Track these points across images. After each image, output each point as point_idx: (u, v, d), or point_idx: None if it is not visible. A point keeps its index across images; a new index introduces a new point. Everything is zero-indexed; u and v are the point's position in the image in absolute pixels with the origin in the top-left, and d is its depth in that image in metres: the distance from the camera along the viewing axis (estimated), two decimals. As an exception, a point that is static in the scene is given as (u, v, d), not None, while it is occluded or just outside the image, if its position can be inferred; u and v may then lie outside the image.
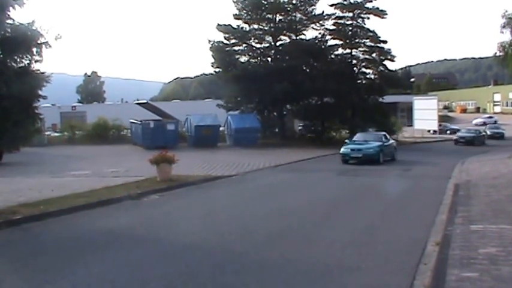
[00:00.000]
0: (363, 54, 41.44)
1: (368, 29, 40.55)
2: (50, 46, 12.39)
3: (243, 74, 37.35)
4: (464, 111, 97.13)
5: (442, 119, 67.62)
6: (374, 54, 41.28)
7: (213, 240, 8.76)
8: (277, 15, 39.75)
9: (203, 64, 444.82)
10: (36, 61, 12.55)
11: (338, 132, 41.54)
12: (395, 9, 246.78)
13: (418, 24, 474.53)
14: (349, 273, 6.71)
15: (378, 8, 40.46)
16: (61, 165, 22.83)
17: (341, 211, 12.02)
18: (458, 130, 54.05)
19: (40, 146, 30.95)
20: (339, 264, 7.13)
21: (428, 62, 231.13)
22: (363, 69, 42.40)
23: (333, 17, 40.50)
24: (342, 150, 24.30)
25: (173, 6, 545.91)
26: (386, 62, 41.58)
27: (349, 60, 41.39)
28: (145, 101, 47.48)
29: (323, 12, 40.32)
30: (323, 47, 40.51)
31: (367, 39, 40.79)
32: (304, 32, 40.81)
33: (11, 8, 11.71)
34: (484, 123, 63.54)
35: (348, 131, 41.55)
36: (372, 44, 40.78)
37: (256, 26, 40.17)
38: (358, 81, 41.85)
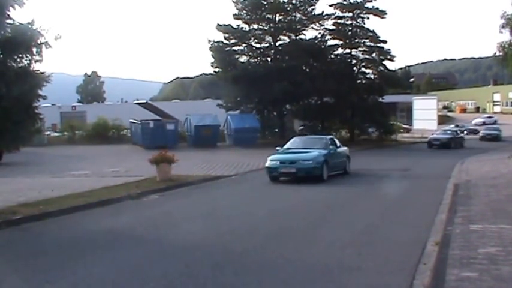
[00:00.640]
0: (362, 54, 41.51)
1: (368, 29, 40.62)
2: (50, 46, 12.41)
3: (243, 74, 37.37)
4: (464, 111, 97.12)
5: (444, 119, 67.68)
6: (374, 54, 41.35)
7: (213, 240, 8.76)
8: (277, 15, 39.79)
9: (203, 64, 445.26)
10: (36, 61, 12.56)
11: (338, 132, 41.57)
12: (395, 9, 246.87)
13: (417, 24, 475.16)
14: (349, 273, 6.71)
15: (377, 8, 40.54)
16: (61, 165, 22.83)
17: (340, 211, 12.03)
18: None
19: (40, 146, 30.98)
20: (339, 264, 7.13)
21: (428, 61, 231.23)
22: (363, 69, 42.50)
23: (333, 17, 40.60)
24: (268, 162, 17.15)
25: (173, 6, 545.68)
26: (386, 62, 41.69)
27: (349, 60, 41.45)
28: (145, 101, 47.55)
29: (323, 12, 40.41)
30: (323, 47, 40.57)
31: (366, 39, 40.86)
32: (304, 32, 40.93)
33: (10, 8, 11.71)
34: (484, 123, 63.45)
35: (347, 131, 41.67)
36: (372, 44, 40.85)
37: (256, 26, 40.21)
38: (358, 81, 41.92)
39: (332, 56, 41.45)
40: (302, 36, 40.89)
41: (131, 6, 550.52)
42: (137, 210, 12.25)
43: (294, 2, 39.75)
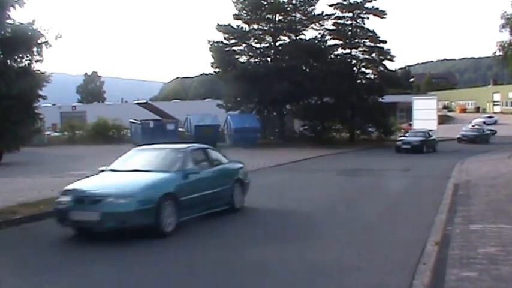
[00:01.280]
0: (362, 54, 41.52)
1: (368, 29, 40.63)
2: (50, 45, 12.49)
3: (243, 74, 37.39)
4: (464, 111, 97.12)
5: (444, 119, 67.62)
6: (373, 54, 41.35)
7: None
8: (277, 15, 39.81)
9: (203, 64, 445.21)
10: (36, 61, 12.61)
11: (338, 132, 41.61)
12: (395, 9, 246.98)
13: (417, 24, 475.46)
14: (349, 273, 6.72)
15: (377, 8, 40.55)
16: (61, 165, 22.81)
17: (340, 211, 12.02)
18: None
19: (40, 145, 31.00)
20: (339, 264, 7.14)
21: (428, 61, 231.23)
22: (363, 69, 42.50)
23: (333, 17, 40.62)
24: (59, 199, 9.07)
25: (173, 6, 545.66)
26: (386, 62, 41.70)
27: (349, 60, 41.46)
28: (145, 101, 47.58)
29: (323, 12, 40.43)
30: (323, 47, 40.58)
31: (366, 39, 40.86)
32: (303, 32, 40.94)
33: (11, 8, 11.74)
34: (484, 123, 63.39)
35: (347, 131, 41.70)
36: (372, 44, 40.86)
37: (256, 26, 40.23)
38: (358, 81, 41.92)
39: (332, 56, 41.46)
40: (302, 36, 40.94)
41: (131, 6, 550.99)
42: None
43: (294, 2, 39.76)
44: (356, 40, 40.89)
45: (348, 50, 41.35)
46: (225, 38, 40.03)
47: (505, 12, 25.99)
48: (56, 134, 41.46)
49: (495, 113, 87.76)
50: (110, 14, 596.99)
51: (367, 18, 40.66)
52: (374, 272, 6.72)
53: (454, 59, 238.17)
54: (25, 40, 11.86)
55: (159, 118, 37.12)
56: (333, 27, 41.11)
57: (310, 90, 38.61)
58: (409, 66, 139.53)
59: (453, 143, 41.86)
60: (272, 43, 40.60)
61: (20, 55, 12.15)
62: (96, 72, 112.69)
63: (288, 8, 39.74)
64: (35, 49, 12.15)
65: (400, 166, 22.77)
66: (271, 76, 36.38)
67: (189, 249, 8.15)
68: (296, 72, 37.98)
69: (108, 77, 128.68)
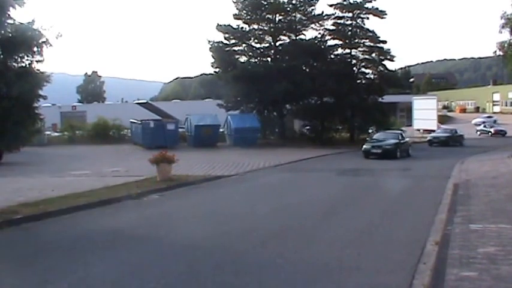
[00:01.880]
0: (362, 54, 41.49)
1: (367, 29, 40.60)
2: (51, 45, 12.48)
3: (243, 74, 37.37)
4: (463, 111, 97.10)
5: (444, 118, 67.60)
6: (373, 54, 41.32)
7: (213, 239, 8.77)
8: (277, 15, 39.79)
9: (203, 64, 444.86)
10: (36, 61, 12.61)
11: (338, 132, 41.57)
12: (394, 9, 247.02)
13: (417, 24, 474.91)
14: (349, 272, 6.72)
15: (377, 8, 40.51)
16: (61, 165, 22.83)
17: (340, 211, 12.03)
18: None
19: (40, 145, 31.00)
20: (339, 263, 7.14)
21: (428, 62, 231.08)
22: (363, 69, 42.44)
23: (333, 17, 40.58)
24: None
25: (173, 6, 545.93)
26: (385, 62, 41.65)
27: (349, 60, 41.44)
28: (145, 101, 47.65)
29: (323, 12, 40.40)
30: (323, 47, 40.56)
31: (366, 39, 40.83)
32: (303, 32, 40.91)
33: (11, 8, 11.75)
34: (483, 123, 63.39)
35: (347, 131, 41.67)
36: (372, 44, 40.82)
37: (256, 26, 40.21)
38: (358, 81, 41.88)
39: (332, 56, 41.42)
40: (302, 36, 40.90)
41: (131, 6, 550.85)
42: (137, 210, 12.26)
43: (294, 2, 39.73)
44: (356, 40, 40.85)
45: (347, 50, 41.32)
46: (225, 38, 40.02)
47: (505, 12, 26.06)
48: (56, 134, 41.44)
49: (495, 112, 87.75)
50: (109, 14, 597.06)
51: (367, 18, 40.62)
52: (374, 272, 6.72)
53: (454, 59, 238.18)
54: (25, 40, 11.85)
55: (159, 118, 37.12)
56: (333, 27, 41.09)
57: (310, 90, 38.58)
58: (409, 66, 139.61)
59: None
60: (272, 43, 40.59)
61: (20, 55, 12.15)
62: (96, 72, 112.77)
63: (288, 8, 39.72)
64: (35, 49, 12.15)
65: (400, 166, 22.78)
66: (271, 76, 36.36)
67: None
68: (296, 72, 37.95)
69: (108, 77, 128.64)
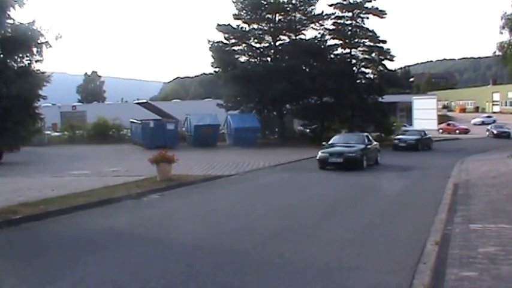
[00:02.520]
0: (362, 54, 41.51)
1: (367, 29, 40.62)
2: (50, 46, 12.44)
3: (243, 73, 37.39)
4: (463, 110, 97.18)
5: (444, 118, 67.62)
6: (373, 54, 41.34)
7: (213, 239, 8.77)
8: (277, 15, 39.82)
9: (203, 64, 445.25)
10: (36, 61, 12.58)
11: (338, 132, 41.50)
12: (394, 9, 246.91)
13: (417, 24, 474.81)
14: (349, 272, 6.72)
15: (377, 8, 40.54)
16: (61, 164, 22.84)
17: (340, 210, 12.03)
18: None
19: (40, 145, 30.98)
20: (339, 263, 7.14)
21: (428, 61, 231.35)
22: (363, 69, 42.48)
23: (333, 17, 40.62)
24: None
25: (173, 6, 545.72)
26: (385, 62, 41.69)
27: (349, 60, 41.45)
28: (145, 101, 47.60)
29: (322, 12, 40.46)
30: (322, 46, 40.58)
31: (366, 39, 40.85)
32: (303, 32, 40.98)
33: (11, 8, 11.73)
34: (483, 123, 63.42)
35: (347, 131, 41.62)
36: (371, 44, 40.85)
37: (255, 26, 40.24)
38: (358, 81, 41.91)
39: (332, 55, 41.45)
40: (302, 36, 40.96)
41: (131, 6, 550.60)
42: (137, 210, 12.26)
43: (294, 2, 39.76)
44: (356, 40, 40.88)
45: (347, 50, 41.34)
46: (225, 38, 40.05)
47: (505, 12, 26.05)
48: (56, 133, 41.44)
49: (494, 112, 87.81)
50: (109, 14, 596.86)
51: (367, 18, 40.66)
52: (374, 271, 6.72)
53: (454, 59, 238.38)
54: (25, 40, 11.84)
55: (159, 118, 37.11)
56: (333, 27, 41.11)
57: (310, 89, 38.61)
58: (408, 66, 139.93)
59: (451, 143, 41.78)
60: (272, 43, 40.61)
61: (20, 55, 12.14)
62: (96, 72, 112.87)
63: (288, 8, 39.74)
64: (35, 49, 12.14)
65: (399, 166, 22.75)
66: (271, 76, 36.37)
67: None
68: (296, 72, 37.98)
69: (108, 77, 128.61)
